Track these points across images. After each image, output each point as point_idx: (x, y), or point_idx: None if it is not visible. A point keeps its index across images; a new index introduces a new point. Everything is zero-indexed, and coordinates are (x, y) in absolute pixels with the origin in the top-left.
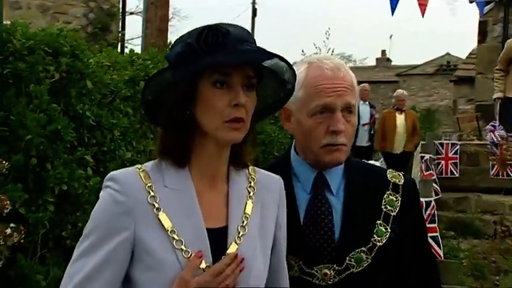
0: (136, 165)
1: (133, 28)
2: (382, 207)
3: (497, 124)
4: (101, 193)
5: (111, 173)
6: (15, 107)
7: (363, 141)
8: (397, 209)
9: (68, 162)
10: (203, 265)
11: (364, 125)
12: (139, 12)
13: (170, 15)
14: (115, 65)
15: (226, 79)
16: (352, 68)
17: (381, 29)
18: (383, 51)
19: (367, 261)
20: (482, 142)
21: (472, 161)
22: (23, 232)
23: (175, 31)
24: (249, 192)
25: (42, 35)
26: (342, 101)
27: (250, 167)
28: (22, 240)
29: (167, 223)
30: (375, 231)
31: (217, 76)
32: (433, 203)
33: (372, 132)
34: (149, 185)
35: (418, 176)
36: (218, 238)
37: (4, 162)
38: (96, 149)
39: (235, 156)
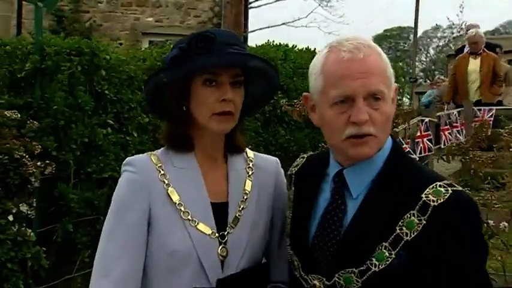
0: (148, 152)
1: (256, 19)
2: (397, 227)
3: None
4: (120, 178)
5: (127, 158)
6: (48, 88)
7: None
8: (415, 233)
9: (88, 124)
10: (209, 231)
11: None
12: (264, 5)
13: None
14: (134, 58)
15: (215, 78)
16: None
17: None
18: None
19: (357, 285)
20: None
21: None
22: (54, 166)
23: (334, 11)
24: (248, 173)
25: (64, 43)
26: (364, 88)
27: (250, 152)
28: (53, 171)
29: (175, 197)
30: (375, 253)
31: (207, 75)
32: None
33: None
34: (159, 165)
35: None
36: (220, 211)
37: (35, 122)
38: (112, 115)
39: (229, 143)
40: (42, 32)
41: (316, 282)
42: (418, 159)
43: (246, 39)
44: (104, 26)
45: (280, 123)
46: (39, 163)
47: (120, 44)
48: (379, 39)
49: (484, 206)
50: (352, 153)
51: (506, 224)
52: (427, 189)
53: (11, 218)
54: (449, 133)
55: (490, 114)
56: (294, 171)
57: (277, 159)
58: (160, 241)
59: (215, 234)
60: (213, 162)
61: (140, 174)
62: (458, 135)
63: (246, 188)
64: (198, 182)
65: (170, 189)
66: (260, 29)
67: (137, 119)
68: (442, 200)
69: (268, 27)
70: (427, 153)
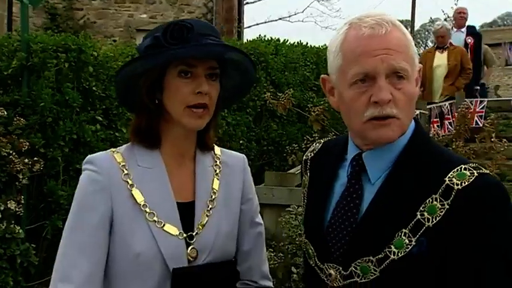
0: (111, 149)
1: (257, 15)
2: (418, 213)
3: None
4: (81, 176)
5: (88, 156)
6: (35, 85)
7: None
8: (437, 218)
9: (76, 121)
10: (176, 232)
11: None
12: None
13: None
14: (122, 54)
15: (190, 70)
16: None
17: None
18: None
19: (374, 274)
20: None
21: None
22: (42, 163)
23: (330, 5)
24: (215, 171)
25: (50, 40)
26: (386, 65)
27: (217, 149)
28: (41, 168)
29: (139, 198)
30: (394, 240)
31: (182, 67)
32: None
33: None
34: (123, 164)
35: None
36: (187, 211)
37: (22, 120)
38: (101, 111)
39: (200, 139)
40: (29, 28)
41: (332, 271)
42: None
43: (240, 34)
44: (98, 23)
45: (272, 117)
46: (26, 160)
47: (114, 41)
48: None
49: None
50: (374, 136)
51: None
52: (451, 172)
53: None
54: (437, 125)
55: (482, 106)
56: (309, 157)
57: (244, 155)
58: (123, 244)
59: (183, 235)
60: (180, 159)
61: (102, 174)
62: (449, 126)
63: (214, 186)
64: (164, 181)
65: (134, 189)
66: (257, 24)
67: (126, 115)
68: (466, 183)
69: (265, 22)
70: None
